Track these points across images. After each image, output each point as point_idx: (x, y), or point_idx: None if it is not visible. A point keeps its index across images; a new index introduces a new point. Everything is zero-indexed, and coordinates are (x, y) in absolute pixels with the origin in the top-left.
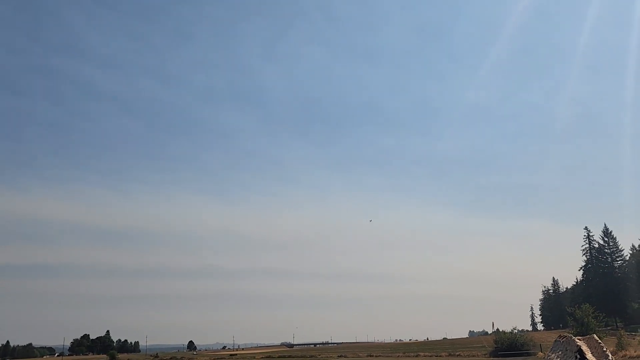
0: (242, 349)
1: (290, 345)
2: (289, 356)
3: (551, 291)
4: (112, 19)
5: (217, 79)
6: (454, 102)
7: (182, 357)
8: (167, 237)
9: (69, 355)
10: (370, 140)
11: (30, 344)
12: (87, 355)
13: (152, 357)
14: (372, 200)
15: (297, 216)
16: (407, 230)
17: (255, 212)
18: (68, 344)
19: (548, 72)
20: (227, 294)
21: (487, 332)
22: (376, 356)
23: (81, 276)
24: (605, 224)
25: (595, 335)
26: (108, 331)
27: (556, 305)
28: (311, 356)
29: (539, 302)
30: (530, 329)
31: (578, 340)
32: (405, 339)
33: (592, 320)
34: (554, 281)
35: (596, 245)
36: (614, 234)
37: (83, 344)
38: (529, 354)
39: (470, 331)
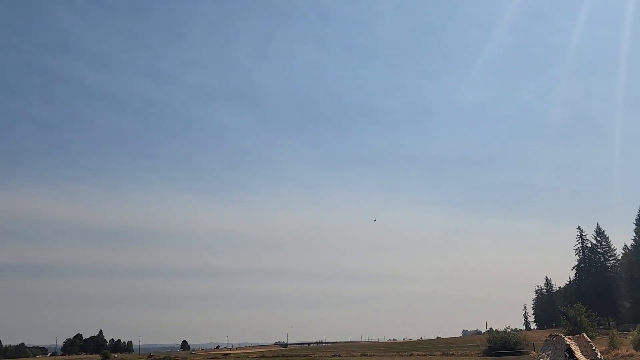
0: (236, 348)
1: (284, 345)
2: (283, 355)
3: (544, 290)
4: (105, 17)
5: (211, 77)
6: (448, 101)
7: (175, 357)
8: (160, 237)
9: (61, 355)
10: (365, 139)
11: (23, 344)
12: (79, 355)
13: (145, 357)
14: (367, 200)
15: (291, 216)
16: (401, 230)
17: (250, 211)
18: (61, 343)
19: (541, 72)
20: (220, 293)
21: (480, 332)
22: (370, 355)
23: (74, 276)
24: (598, 224)
25: (584, 334)
26: (101, 331)
27: (549, 305)
28: (305, 355)
29: (532, 302)
30: (523, 328)
31: (567, 339)
32: (399, 338)
33: (585, 319)
34: (547, 280)
35: (589, 245)
36: (607, 233)
37: (76, 344)
38: (522, 353)
39: (463, 330)
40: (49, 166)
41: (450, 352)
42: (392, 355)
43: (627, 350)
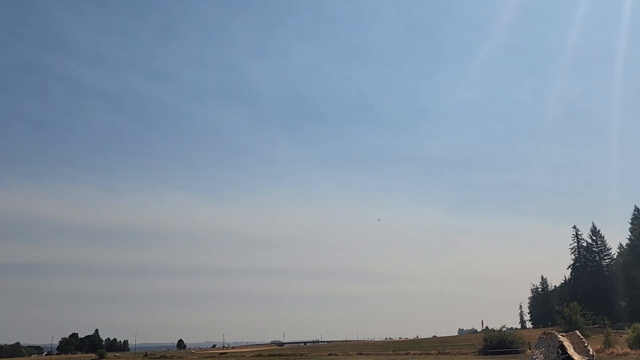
0: (232, 347)
1: (281, 344)
2: (279, 354)
3: (540, 289)
4: (100, 15)
5: (207, 76)
6: (444, 101)
7: (172, 356)
8: (156, 236)
9: (57, 354)
10: (360, 138)
11: (18, 343)
12: (75, 354)
13: (141, 356)
14: (363, 199)
15: (286, 214)
16: (396, 229)
17: (245, 210)
18: (56, 342)
19: (537, 72)
20: (217, 292)
21: (476, 330)
22: (366, 354)
23: (69, 274)
24: (593, 223)
25: (577, 332)
26: (97, 330)
27: (545, 304)
28: (301, 354)
29: (528, 300)
30: (519, 326)
31: (560, 337)
32: (395, 337)
33: (580, 318)
34: (542, 279)
35: (584, 244)
36: (602, 232)
37: (71, 343)
38: (517, 352)
39: (459, 329)
40: (45, 165)
41: (447, 351)
42: (388, 354)
43: (622, 349)
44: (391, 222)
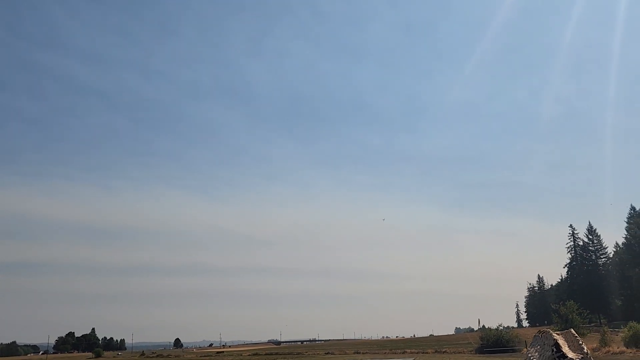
0: (229, 346)
1: (278, 343)
2: (276, 353)
3: (536, 288)
4: (97, 13)
5: (204, 74)
6: (441, 100)
7: (168, 355)
8: (153, 234)
9: (53, 353)
10: (357, 137)
11: (14, 342)
12: (72, 353)
13: (138, 355)
14: (359, 198)
15: (283, 213)
16: (393, 228)
17: (242, 209)
18: (53, 341)
19: (534, 71)
20: (214, 291)
21: (473, 329)
22: (363, 353)
23: (66, 273)
24: (589, 222)
25: (572, 330)
26: (93, 329)
27: (541, 302)
28: (298, 353)
29: (524, 299)
30: (515, 325)
31: (555, 335)
32: (392, 336)
33: (577, 316)
34: (539, 278)
35: (580, 243)
36: (598, 231)
37: (68, 342)
38: (514, 350)
39: (456, 328)
40: (41, 163)
41: (443, 350)
42: (385, 353)
43: (618, 348)
44: (388, 221)
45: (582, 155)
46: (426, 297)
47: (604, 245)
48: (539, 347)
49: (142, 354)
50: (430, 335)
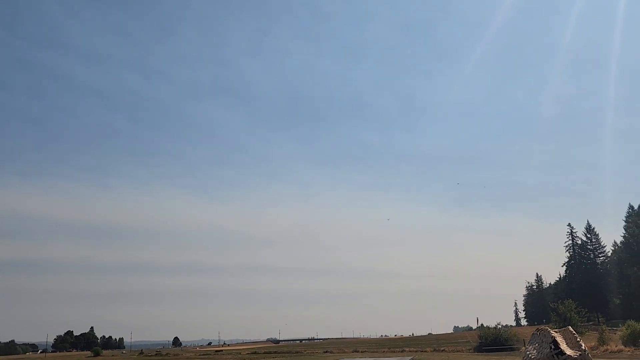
0: (228, 345)
1: (276, 341)
2: (275, 352)
3: (535, 287)
4: (96, 12)
5: (203, 74)
6: (440, 99)
7: (167, 353)
8: (152, 233)
9: (52, 352)
10: (357, 137)
11: (13, 341)
12: (70, 351)
13: (137, 354)
14: (358, 197)
15: (282, 213)
16: (392, 227)
17: (241, 208)
18: (51, 340)
19: (533, 70)
20: (212, 290)
21: (471, 328)
22: (362, 352)
23: (65, 272)
24: (588, 221)
25: (570, 327)
26: (92, 327)
27: (539, 301)
28: (297, 352)
29: (523, 298)
30: (514, 324)
31: (553, 332)
32: (391, 334)
33: (575, 315)
34: (537, 277)
35: (579, 242)
36: (597, 230)
37: (66, 341)
38: (512, 349)
39: (455, 326)
40: (40, 163)
41: (442, 348)
42: (383, 352)
43: (616, 346)
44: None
45: (581, 155)
46: (425, 296)
47: (602, 244)
48: (537, 344)
49: (141, 352)
50: (428, 334)
